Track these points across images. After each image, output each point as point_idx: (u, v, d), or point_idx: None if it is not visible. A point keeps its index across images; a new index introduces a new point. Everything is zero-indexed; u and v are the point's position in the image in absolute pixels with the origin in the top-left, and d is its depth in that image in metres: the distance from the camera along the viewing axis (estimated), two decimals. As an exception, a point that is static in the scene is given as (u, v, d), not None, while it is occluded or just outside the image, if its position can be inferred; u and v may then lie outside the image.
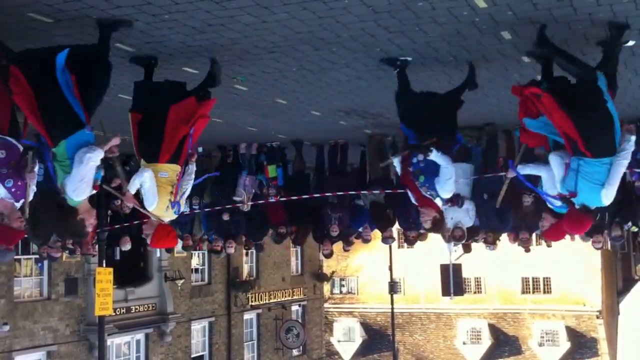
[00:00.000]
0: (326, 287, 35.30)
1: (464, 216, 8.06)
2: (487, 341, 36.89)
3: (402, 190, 8.22)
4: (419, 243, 11.57)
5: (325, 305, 34.11)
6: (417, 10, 5.62)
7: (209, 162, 12.59)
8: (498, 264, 34.80)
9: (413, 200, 7.28)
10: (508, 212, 9.81)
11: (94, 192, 5.56)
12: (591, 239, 10.07)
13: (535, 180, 6.81)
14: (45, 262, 16.50)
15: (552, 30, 6.08)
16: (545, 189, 6.36)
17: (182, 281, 21.70)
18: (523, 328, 36.98)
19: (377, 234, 11.62)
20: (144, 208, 6.02)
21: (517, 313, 37.34)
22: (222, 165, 12.13)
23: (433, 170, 6.63)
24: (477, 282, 38.13)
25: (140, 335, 20.47)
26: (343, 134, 11.30)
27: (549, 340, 36.17)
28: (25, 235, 6.51)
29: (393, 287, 28.84)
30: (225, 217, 11.35)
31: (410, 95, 6.99)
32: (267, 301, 26.25)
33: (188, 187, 6.26)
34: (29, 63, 5.43)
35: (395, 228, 11.77)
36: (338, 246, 11.95)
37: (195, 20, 5.73)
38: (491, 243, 10.70)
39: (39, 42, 5.69)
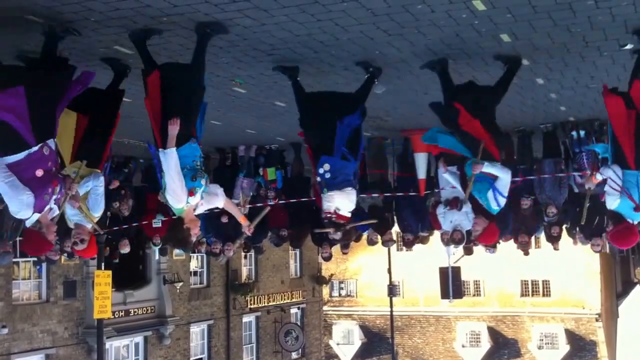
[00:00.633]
0: (325, 289, 35.24)
1: (464, 219, 8.05)
2: (486, 344, 36.83)
3: (400, 194, 8.16)
4: (418, 246, 11.54)
5: (324, 308, 34.07)
6: (416, 12, 5.61)
7: (207, 164, 12.57)
8: (497, 267, 34.73)
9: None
10: (507, 215, 9.81)
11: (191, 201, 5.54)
12: (590, 242, 10.08)
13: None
14: (44, 265, 16.48)
15: (552, 34, 6.07)
16: (499, 188, 6.60)
17: (181, 284, 21.66)
18: (522, 331, 36.93)
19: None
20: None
21: (516, 316, 37.29)
22: (220, 168, 12.12)
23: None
24: (476, 285, 38.07)
25: (139, 338, 20.42)
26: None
27: (548, 343, 36.12)
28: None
29: (392, 290, 28.77)
30: (224, 219, 11.31)
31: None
32: (266, 304, 26.21)
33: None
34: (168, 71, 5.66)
35: (395, 230, 11.75)
36: (337, 249, 11.93)
37: (194, 23, 5.73)
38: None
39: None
